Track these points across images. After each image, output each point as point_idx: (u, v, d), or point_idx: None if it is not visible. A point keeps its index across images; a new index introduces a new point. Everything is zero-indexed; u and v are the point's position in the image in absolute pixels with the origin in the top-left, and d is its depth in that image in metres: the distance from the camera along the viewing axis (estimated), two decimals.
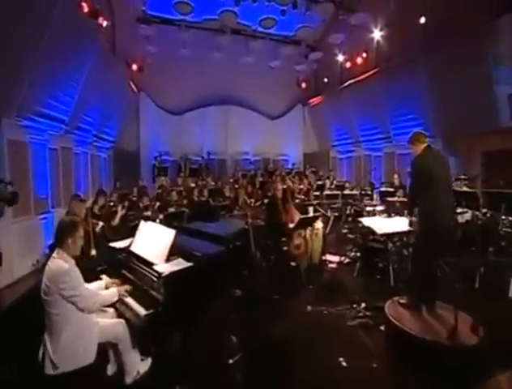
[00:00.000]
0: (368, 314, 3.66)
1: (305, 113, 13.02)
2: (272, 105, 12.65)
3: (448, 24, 7.00)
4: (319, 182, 9.47)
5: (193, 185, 10.32)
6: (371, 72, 9.27)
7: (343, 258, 5.60)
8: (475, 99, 6.96)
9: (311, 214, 5.74)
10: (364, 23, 9.00)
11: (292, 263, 4.77)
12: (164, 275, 2.16)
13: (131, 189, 7.96)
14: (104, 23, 6.79)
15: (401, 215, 4.57)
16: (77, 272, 2.12)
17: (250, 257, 3.76)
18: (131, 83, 10.47)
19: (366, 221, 4.23)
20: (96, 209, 4.76)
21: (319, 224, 5.30)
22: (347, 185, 9.19)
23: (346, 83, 10.26)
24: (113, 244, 2.97)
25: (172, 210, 5.59)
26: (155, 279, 2.23)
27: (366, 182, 9.54)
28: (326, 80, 11.94)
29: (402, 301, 3.29)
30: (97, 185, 8.33)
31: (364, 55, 10.17)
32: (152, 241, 2.59)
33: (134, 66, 10.16)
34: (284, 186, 5.02)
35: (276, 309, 3.85)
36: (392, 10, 8.22)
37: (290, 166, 12.28)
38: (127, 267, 2.66)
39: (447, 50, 7.17)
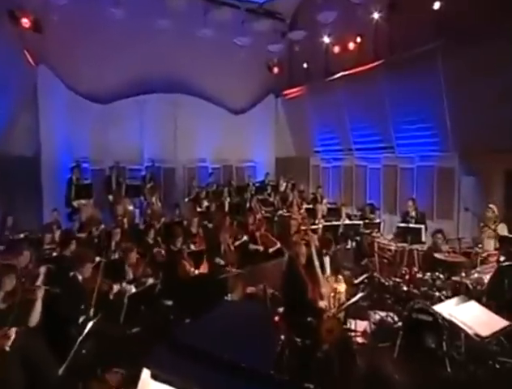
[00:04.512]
0: None
1: (279, 106, 12.55)
2: (236, 95, 11.90)
3: (477, 17, 7.06)
4: (307, 206, 9.00)
5: (131, 208, 9.08)
6: (372, 64, 9.12)
7: (369, 326, 5.36)
8: (504, 109, 7.16)
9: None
10: (365, 2, 8.80)
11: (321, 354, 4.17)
12: None
13: (41, 233, 6.27)
14: None
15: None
16: None
17: None
18: (25, 51, 8.33)
19: (444, 310, 3.77)
20: (3, 306, 3.26)
21: (342, 287, 4.98)
22: (343, 209, 8.85)
23: (337, 75, 10.01)
24: None
25: (133, 290, 4.35)
26: None
27: (363, 205, 9.37)
28: (305, 66, 11.61)
29: None
30: None
31: (359, 40, 10.04)
32: None
33: (26, 21, 7.89)
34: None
35: None
36: None
37: (262, 177, 11.61)
38: None
39: (474, 47, 7.20)
